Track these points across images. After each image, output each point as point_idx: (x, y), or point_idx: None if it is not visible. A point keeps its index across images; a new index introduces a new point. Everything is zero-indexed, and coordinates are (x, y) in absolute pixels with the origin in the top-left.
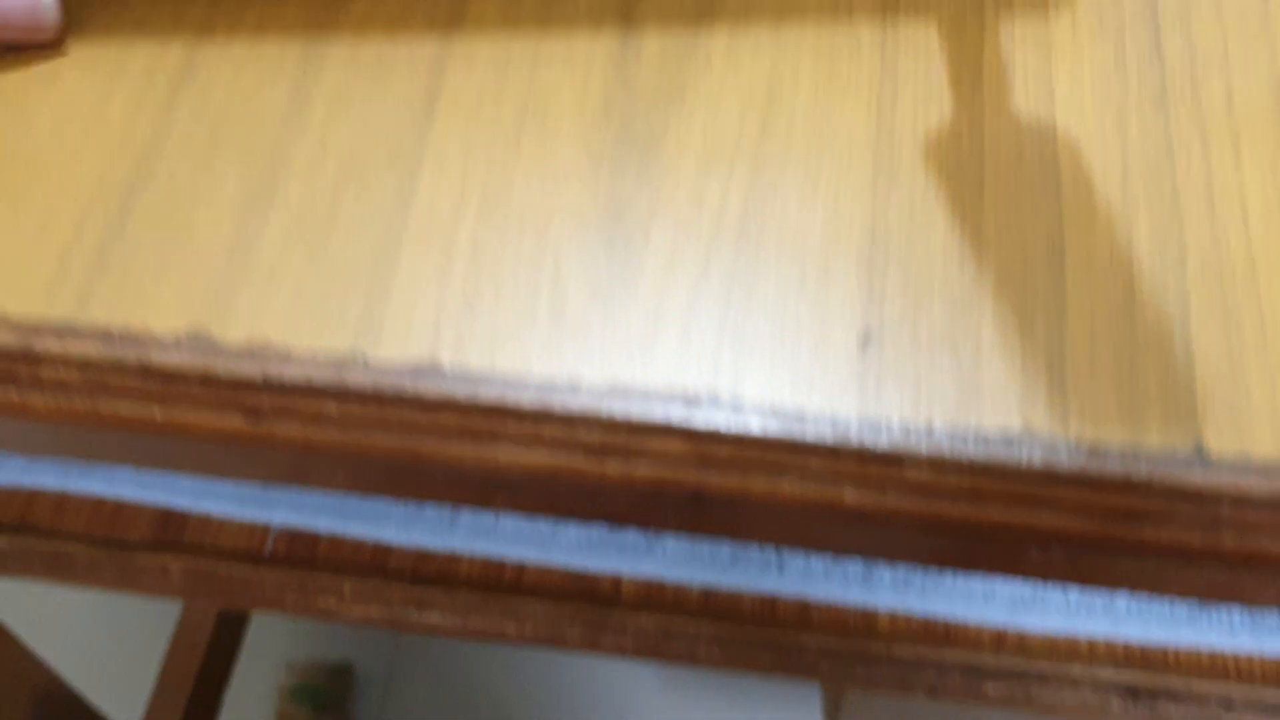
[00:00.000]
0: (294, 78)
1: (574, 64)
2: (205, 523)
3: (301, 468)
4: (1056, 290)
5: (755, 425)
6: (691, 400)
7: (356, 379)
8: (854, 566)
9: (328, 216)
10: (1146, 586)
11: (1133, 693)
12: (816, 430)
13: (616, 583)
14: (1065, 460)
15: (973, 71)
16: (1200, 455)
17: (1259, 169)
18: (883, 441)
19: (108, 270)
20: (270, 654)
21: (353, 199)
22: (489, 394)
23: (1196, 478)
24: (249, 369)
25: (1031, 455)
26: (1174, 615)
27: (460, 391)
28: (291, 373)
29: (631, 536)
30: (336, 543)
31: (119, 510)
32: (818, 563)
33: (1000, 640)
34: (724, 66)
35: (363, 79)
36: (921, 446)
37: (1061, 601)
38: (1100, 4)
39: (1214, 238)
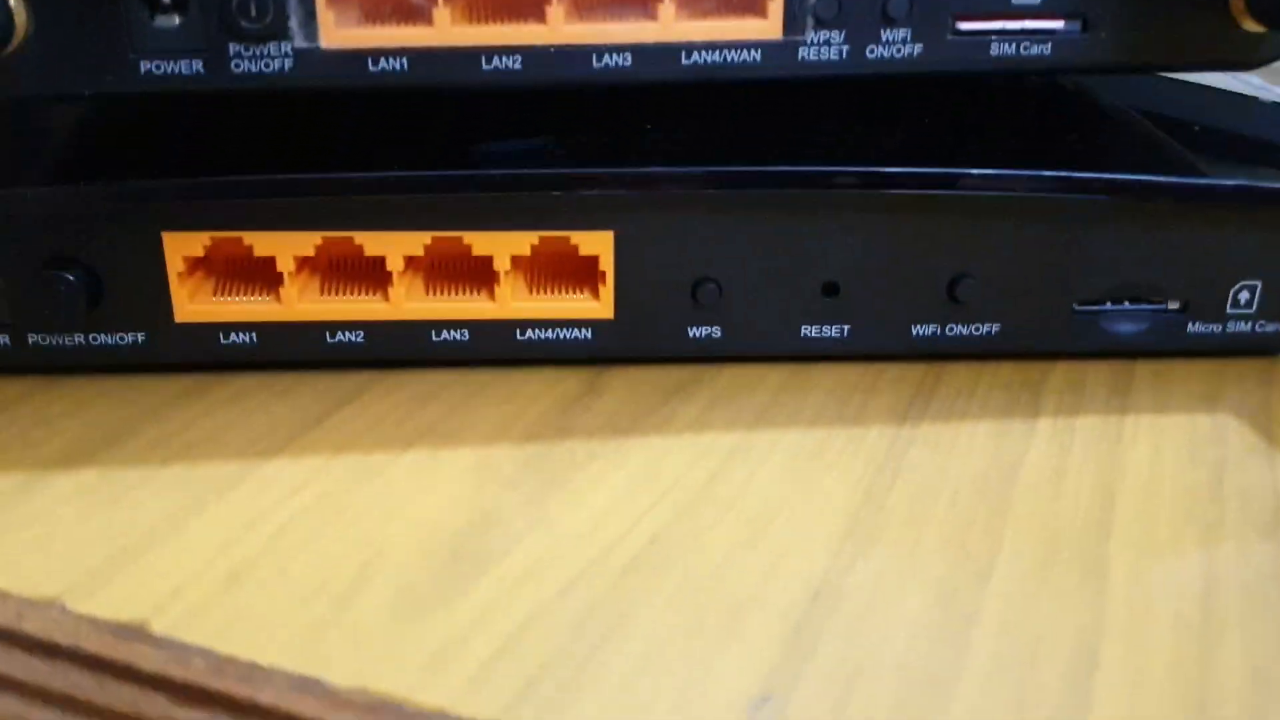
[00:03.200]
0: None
1: (512, 402)
2: None
3: None
4: (1080, 695)
5: None
6: None
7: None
8: None
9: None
10: None
11: None
12: None
13: None
14: None
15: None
16: None
17: None
18: None
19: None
20: None
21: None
22: (198, 666)
23: None
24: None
25: None
26: None
27: (164, 658)
28: None
29: None
30: None
31: None
32: None
33: None
34: (684, 429)
35: (268, 391)
36: None
37: None
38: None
39: None
